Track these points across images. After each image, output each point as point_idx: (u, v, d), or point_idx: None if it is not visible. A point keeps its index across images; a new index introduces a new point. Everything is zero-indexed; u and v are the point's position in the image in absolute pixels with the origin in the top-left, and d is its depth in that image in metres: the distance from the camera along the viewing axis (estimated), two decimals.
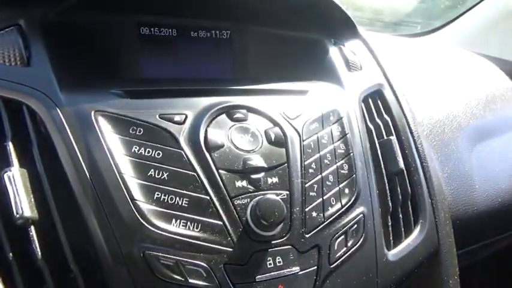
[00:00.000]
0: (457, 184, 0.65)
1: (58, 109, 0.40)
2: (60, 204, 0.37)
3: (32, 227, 0.36)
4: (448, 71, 0.91)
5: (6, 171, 0.37)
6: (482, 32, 1.15)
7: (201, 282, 0.37)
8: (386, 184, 0.52)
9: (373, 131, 0.55)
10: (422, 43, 1.13)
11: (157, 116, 0.42)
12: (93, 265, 0.36)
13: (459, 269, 0.55)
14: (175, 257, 0.37)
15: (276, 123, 0.47)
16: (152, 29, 0.56)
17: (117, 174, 0.38)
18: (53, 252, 0.36)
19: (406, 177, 0.53)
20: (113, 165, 0.38)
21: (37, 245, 0.36)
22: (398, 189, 0.52)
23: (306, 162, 0.45)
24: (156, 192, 0.38)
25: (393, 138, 0.55)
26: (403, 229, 0.50)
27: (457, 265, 0.54)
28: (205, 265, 0.37)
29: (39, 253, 0.35)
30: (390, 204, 0.50)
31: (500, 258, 0.95)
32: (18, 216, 0.35)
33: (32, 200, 0.37)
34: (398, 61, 0.81)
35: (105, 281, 0.36)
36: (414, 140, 0.57)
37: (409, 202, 0.52)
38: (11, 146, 0.38)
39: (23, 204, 0.36)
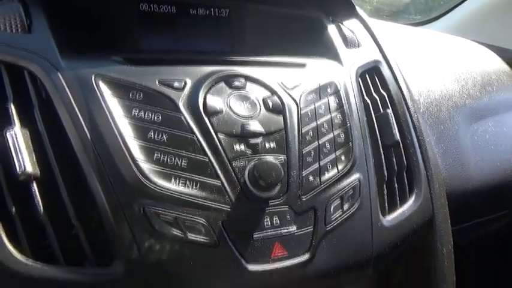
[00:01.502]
0: (452, 160, 0.66)
1: (59, 73, 0.41)
2: (61, 163, 0.38)
3: (34, 183, 0.37)
4: (445, 55, 0.92)
5: (9, 130, 0.38)
6: (476, 21, 1.16)
7: (199, 238, 0.38)
8: (382, 155, 0.52)
9: (370, 104, 0.56)
10: (419, 30, 1.14)
11: (156, 82, 0.43)
12: (94, 221, 0.37)
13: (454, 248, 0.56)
14: (174, 213, 0.37)
15: (273, 92, 0.47)
16: (152, 6, 0.56)
17: (117, 135, 0.39)
18: (55, 209, 0.37)
19: (402, 149, 0.54)
20: (114, 127, 0.39)
21: (39, 200, 0.36)
22: (394, 160, 0.53)
23: (303, 130, 0.46)
24: (156, 153, 0.39)
25: (389, 111, 0.56)
26: (398, 198, 0.51)
27: (451, 236, 0.55)
28: (204, 222, 0.38)
29: (41, 208, 0.36)
30: (386, 173, 0.51)
31: (493, 241, 0.96)
32: (20, 172, 0.36)
33: (34, 158, 0.37)
34: (396, 43, 0.82)
35: (107, 236, 0.36)
36: (410, 115, 0.58)
37: (405, 173, 0.53)
38: (12, 108, 0.39)
39: (25, 161, 0.37)
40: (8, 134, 0.37)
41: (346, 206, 0.45)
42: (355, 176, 0.47)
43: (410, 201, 0.52)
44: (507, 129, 0.78)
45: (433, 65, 0.84)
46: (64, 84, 0.40)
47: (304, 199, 0.43)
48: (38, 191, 0.37)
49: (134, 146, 0.39)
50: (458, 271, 0.56)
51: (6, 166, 0.37)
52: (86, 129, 0.39)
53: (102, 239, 0.37)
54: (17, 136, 0.37)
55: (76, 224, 0.36)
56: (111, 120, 0.39)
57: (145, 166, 0.38)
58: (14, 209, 0.36)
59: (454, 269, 0.55)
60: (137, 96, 0.42)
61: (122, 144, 0.39)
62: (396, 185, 0.52)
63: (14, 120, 0.39)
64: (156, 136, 0.40)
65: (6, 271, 0.34)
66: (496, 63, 0.97)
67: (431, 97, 0.73)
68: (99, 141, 0.38)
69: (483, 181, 0.70)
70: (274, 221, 0.41)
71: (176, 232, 0.37)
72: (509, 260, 1.06)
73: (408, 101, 0.60)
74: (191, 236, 0.37)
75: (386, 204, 0.50)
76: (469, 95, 0.79)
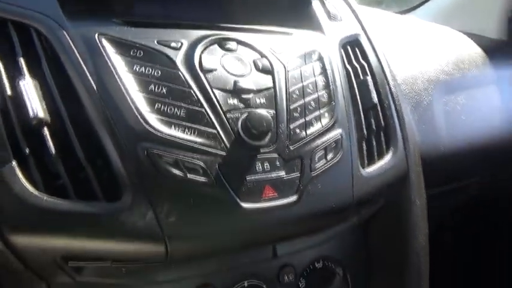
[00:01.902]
0: (426, 127, 0.72)
1: (64, 31, 0.44)
2: (69, 111, 0.41)
3: (45, 128, 0.40)
4: (422, 37, 0.98)
5: (21, 80, 0.41)
6: (453, 10, 1.22)
7: (198, 178, 0.42)
8: (362, 116, 0.57)
9: (351, 72, 0.61)
10: (399, 16, 1.19)
11: (155, 41, 0.46)
12: (102, 162, 0.40)
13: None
14: (175, 156, 0.41)
15: (263, 55, 0.51)
16: None
17: (121, 86, 0.42)
18: (65, 151, 0.40)
19: (380, 111, 0.59)
20: (117, 79, 0.43)
21: (50, 143, 0.40)
22: (372, 121, 0.58)
23: (290, 89, 0.50)
24: (157, 104, 0.43)
25: (369, 78, 0.61)
26: (376, 153, 0.56)
27: (425, 190, 0.60)
28: (202, 164, 0.42)
29: (53, 150, 0.39)
30: (365, 132, 0.56)
31: (467, 209, 1.03)
32: (33, 117, 0.39)
33: (44, 105, 0.41)
34: (376, 22, 0.87)
35: (114, 175, 0.40)
36: (388, 82, 0.63)
37: (382, 133, 0.58)
38: (22, 62, 0.42)
39: (37, 107, 0.40)
40: (20, 84, 0.41)
41: (329, 156, 0.50)
42: (337, 131, 0.51)
43: (387, 157, 0.57)
44: (476, 102, 0.84)
45: (410, 45, 0.90)
46: (69, 40, 0.43)
47: (292, 148, 0.47)
48: (49, 135, 0.40)
49: (136, 97, 0.43)
50: (434, 239, 0.61)
51: (19, 113, 0.40)
52: (91, 81, 0.42)
53: (110, 177, 0.40)
54: (29, 86, 0.41)
55: (85, 164, 0.40)
56: (115, 74, 0.43)
57: (147, 114, 0.42)
58: (27, 151, 0.39)
59: (427, 221, 0.60)
60: (138, 54, 0.45)
61: (125, 94, 0.42)
62: (374, 142, 0.57)
63: (24, 72, 0.42)
64: (156, 89, 0.44)
65: (24, 204, 0.37)
66: (469, 46, 1.04)
67: (408, 71, 0.78)
68: (105, 92, 0.42)
69: (454, 147, 0.76)
70: (265, 166, 0.45)
71: (177, 172, 0.41)
72: (481, 227, 1.14)
73: (386, 70, 0.65)
74: (190, 175, 0.41)
75: (365, 158, 0.55)
76: (443, 71, 0.85)
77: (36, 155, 0.39)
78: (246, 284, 0.51)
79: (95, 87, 0.42)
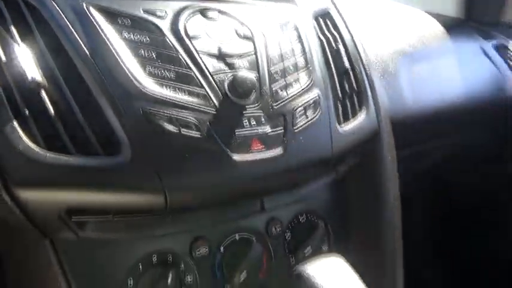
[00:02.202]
0: (393, 91, 0.77)
1: (52, 0, 0.46)
2: (65, 75, 0.43)
3: (43, 91, 0.42)
4: (388, 14, 1.04)
5: (15, 46, 0.42)
6: None
7: (191, 133, 0.45)
8: (336, 80, 0.62)
9: (324, 41, 0.65)
10: None
11: (140, 10, 0.49)
12: (99, 120, 0.43)
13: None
14: (169, 113, 0.44)
15: (243, 24, 0.55)
16: None
17: (113, 51, 0.45)
18: (63, 111, 0.42)
19: (352, 76, 0.64)
20: (108, 45, 0.45)
21: (49, 105, 0.42)
22: (346, 84, 0.63)
23: (270, 54, 0.54)
24: (147, 66, 0.46)
25: (340, 46, 0.66)
26: (350, 113, 0.61)
27: (394, 148, 0.66)
28: (194, 120, 0.45)
29: (51, 110, 0.41)
30: (340, 94, 0.61)
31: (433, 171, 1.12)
32: (31, 80, 0.41)
33: (40, 70, 0.42)
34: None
35: (112, 132, 0.43)
36: (358, 51, 0.68)
37: (355, 95, 0.63)
38: (14, 30, 0.44)
39: (34, 71, 0.42)
40: (15, 50, 0.42)
41: (309, 114, 0.54)
42: (315, 92, 0.56)
43: (360, 116, 0.62)
44: (438, 70, 0.91)
45: (377, 21, 0.96)
46: (58, 9, 0.45)
47: (275, 106, 0.51)
48: (47, 97, 0.42)
49: (128, 61, 0.45)
50: (404, 199, 0.67)
51: (16, 77, 0.42)
52: (83, 47, 0.44)
53: (108, 135, 0.43)
54: (23, 51, 0.42)
55: (83, 123, 0.42)
56: (105, 40, 0.45)
57: (140, 76, 0.45)
58: (27, 112, 0.41)
59: (397, 174, 0.66)
60: (125, 22, 0.48)
61: (117, 58, 0.45)
62: (348, 103, 0.62)
63: (17, 40, 0.43)
64: (145, 53, 0.46)
65: (28, 160, 0.39)
66: (432, 22, 1.11)
67: (375, 43, 0.84)
68: (97, 56, 0.44)
69: (420, 112, 0.82)
70: (251, 122, 0.49)
71: (172, 128, 0.44)
72: (449, 188, 1.23)
73: (356, 40, 0.70)
74: (184, 131, 0.45)
75: (341, 118, 0.59)
76: (408, 44, 0.91)
77: (35, 116, 0.41)
78: (237, 237, 0.55)
79: (87, 52, 0.44)
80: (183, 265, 0.51)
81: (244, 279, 0.54)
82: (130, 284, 0.48)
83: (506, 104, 1.05)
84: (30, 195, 0.40)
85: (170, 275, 0.48)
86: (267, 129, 0.50)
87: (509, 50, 1.13)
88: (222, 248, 0.54)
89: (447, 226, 1.39)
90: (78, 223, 0.45)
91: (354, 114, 0.61)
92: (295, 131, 0.52)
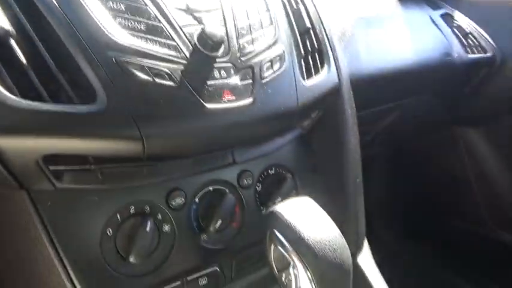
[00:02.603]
0: (351, 53, 0.82)
1: None
2: (34, 27, 0.43)
3: (11, 40, 0.42)
4: None
5: None
6: None
7: (165, 82, 0.46)
8: (299, 38, 0.65)
9: (286, 3, 0.68)
10: None
11: None
12: (72, 69, 0.43)
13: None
14: (141, 62, 0.45)
15: None
16: None
17: (83, 4, 0.45)
18: (35, 60, 0.42)
19: (313, 35, 0.67)
20: None
21: (20, 53, 0.41)
22: (308, 42, 0.66)
23: (235, 12, 0.56)
24: (117, 18, 0.46)
25: (301, 6, 0.69)
26: (313, 69, 0.64)
27: (353, 101, 0.70)
28: (166, 70, 0.47)
29: (23, 59, 0.41)
30: (302, 51, 0.64)
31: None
32: None
33: (8, 21, 0.42)
34: None
35: (86, 80, 0.43)
36: (317, 12, 0.71)
37: (316, 52, 0.67)
38: None
39: (2, 20, 0.41)
40: None
41: (275, 67, 0.57)
42: (279, 47, 0.59)
43: (322, 72, 0.65)
44: (390, 36, 0.97)
45: None
46: None
47: (243, 59, 0.53)
48: (18, 47, 0.42)
49: (97, 12, 0.45)
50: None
51: None
52: (54, 2, 0.44)
53: (82, 83, 0.43)
54: None
55: (55, 72, 0.42)
56: None
57: (110, 27, 0.45)
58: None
59: (357, 128, 0.71)
60: None
61: (87, 10, 0.45)
62: (311, 60, 0.65)
63: None
64: (114, 5, 0.47)
65: (4, 107, 0.39)
66: None
67: (334, 9, 0.88)
68: (67, 8, 0.44)
69: (374, 74, 0.88)
70: (221, 74, 0.51)
71: (145, 76, 0.45)
72: (399, 153, 1.33)
73: (315, 3, 0.73)
74: (158, 80, 0.46)
75: (304, 73, 0.63)
76: (363, 11, 0.96)
77: (7, 66, 0.41)
78: (211, 189, 0.58)
79: (55, 4, 0.44)
80: (160, 215, 0.53)
81: (219, 228, 0.56)
82: (110, 234, 0.49)
83: (452, 69, 1.13)
84: (5, 143, 0.40)
85: (148, 224, 0.50)
86: (237, 80, 0.52)
87: (454, 19, 1.22)
88: (197, 199, 0.56)
89: (402, 185, 1.50)
90: (56, 173, 0.46)
91: (316, 70, 0.65)
92: (263, 82, 0.54)
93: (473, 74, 1.22)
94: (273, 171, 0.65)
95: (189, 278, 0.55)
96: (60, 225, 0.47)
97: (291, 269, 0.46)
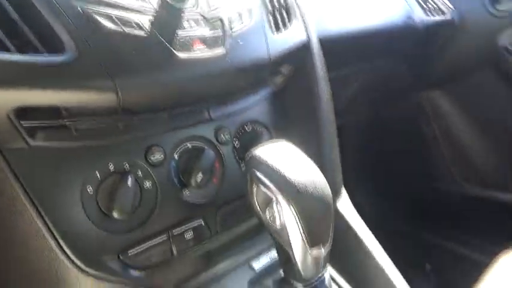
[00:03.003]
0: (318, 14, 0.84)
1: None
2: None
3: None
4: None
5: None
6: None
7: (135, 32, 0.46)
8: None
9: None
10: None
11: None
12: (39, 23, 0.42)
13: None
14: (109, 13, 0.45)
15: None
16: None
17: None
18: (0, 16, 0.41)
19: None
20: None
21: None
22: None
23: None
24: None
25: None
26: (281, 24, 0.65)
27: (324, 59, 0.72)
28: (135, 20, 0.46)
29: None
30: (270, 7, 0.65)
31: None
32: None
33: None
34: None
35: (53, 34, 0.42)
36: None
37: (284, 9, 0.68)
38: None
39: None
40: None
41: (244, 20, 0.57)
42: (248, 0, 0.59)
43: (291, 27, 0.66)
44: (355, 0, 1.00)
45: None
46: None
47: (212, 11, 0.54)
48: None
49: None
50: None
51: None
52: None
53: (49, 34, 0.42)
54: None
55: (19, 22, 0.41)
56: None
57: None
58: None
59: (328, 84, 0.73)
60: None
61: None
62: (278, 16, 0.66)
63: None
64: None
65: None
66: None
67: None
68: None
69: (342, 33, 0.90)
70: (191, 24, 0.51)
71: (114, 26, 0.45)
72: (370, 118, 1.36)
73: None
74: (127, 29, 0.46)
75: (273, 27, 0.64)
76: None
77: None
78: (189, 145, 0.58)
79: None
80: (140, 172, 0.53)
81: (200, 183, 0.57)
82: (91, 192, 0.49)
83: (414, 32, 1.17)
84: None
85: (129, 179, 0.50)
86: (206, 31, 0.52)
87: None
88: (176, 156, 0.57)
89: (373, 151, 1.54)
90: (29, 130, 0.45)
91: (285, 25, 0.66)
92: (233, 34, 0.55)
93: (434, 37, 1.27)
94: (249, 128, 0.65)
95: (174, 232, 0.55)
96: (38, 185, 0.46)
97: (274, 206, 0.47)
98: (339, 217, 0.66)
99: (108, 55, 0.44)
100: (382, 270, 0.61)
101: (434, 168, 1.49)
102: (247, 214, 0.63)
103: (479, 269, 0.85)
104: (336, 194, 0.68)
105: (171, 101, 0.53)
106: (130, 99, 0.47)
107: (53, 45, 0.43)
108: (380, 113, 1.47)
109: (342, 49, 0.91)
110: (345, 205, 0.68)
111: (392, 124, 1.52)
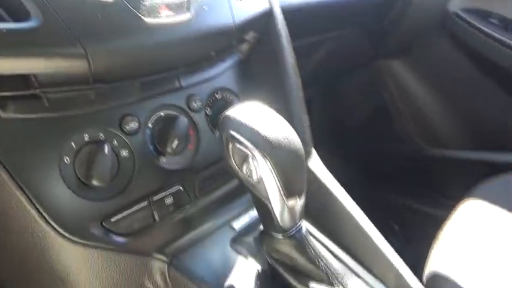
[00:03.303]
0: None
1: None
2: None
3: None
4: None
5: None
6: None
7: None
8: None
9: None
10: None
11: None
12: None
13: None
14: None
15: None
16: None
17: None
18: None
19: None
20: None
21: None
22: None
23: None
24: None
25: None
26: None
27: (287, 27, 0.74)
28: None
29: None
30: None
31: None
32: None
33: None
34: None
35: (14, 2, 0.42)
36: None
37: None
38: None
39: None
40: None
41: None
42: None
43: None
44: None
45: None
46: None
47: None
48: None
49: None
50: None
51: None
52: None
53: (14, 3, 0.42)
54: None
55: None
56: None
57: None
58: None
59: (293, 54, 0.75)
60: None
61: None
62: None
63: None
64: None
65: None
66: None
67: None
68: None
69: (302, 3, 0.92)
70: None
71: None
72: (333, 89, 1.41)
73: None
74: None
75: None
76: None
77: None
78: (162, 114, 0.59)
79: None
80: (116, 141, 0.53)
81: (176, 149, 0.58)
82: (68, 162, 0.49)
83: (370, 2, 1.22)
84: None
85: (106, 148, 0.51)
86: None
87: None
88: (150, 124, 0.57)
89: (338, 120, 1.60)
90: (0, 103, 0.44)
91: None
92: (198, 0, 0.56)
93: (389, 8, 1.32)
94: (219, 95, 0.67)
95: (155, 198, 0.56)
96: (13, 157, 0.46)
97: (250, 162, 0.49)
98: (311, 176, 0.70)
99: (76, 21, 0.44)
100: (355, 222, 0.66)
101: (395, 132, 1.56)
102: (224, 178, 0.65)
103: (441, 222, 0.92)
104: (307, 154, 0.71)
105: (141, 68, 0.53)
106: (101, 66, 0.47)
107: (18, 13, 0.42)
108: (342, 82, 1.52)
109: (303, 19, 0.94)
110: (316, 164, 0.72)
111: (354, 93, 1.58)
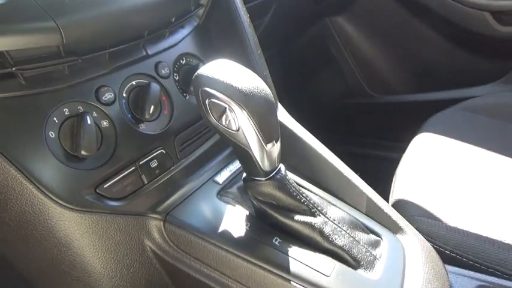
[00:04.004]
0: None
1: None
2: None
3: None
4: None
5: None
6: None
7: None
8: None
9: None
10: None
11: None
12: None
13: None
14: None
15: None
16: None
17: None
18: None
19: None
20: None
21: None
22: None
23: None
24: None
25: None
26: None
27: None
28: None
29: None
30: None
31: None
32: None
33: None
34: None
35: None
36: None
37: None
38: None
39: None
40: None
41: None
42: None
43: None
44: None
45: None
46: None
47: None
48: None
49: None
50: None
51: None
52: None
53: None
54: None
55: None
56: None
57: None
58: None
59: (247, 13, 0.78)
60: None
61: None
62: None
63: None
64: None
65: None
66: None
67: None
68: None
69: None
70: None
71: None
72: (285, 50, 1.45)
73: None
74: None
75: None
76: None
77: None
78: (134, 83, 0.61)
79: None
80: (95, 113, 0.55)
81: (153, 114, 0.61)
82: (53, 136, 0.51)
83: None
84: None
85: (87, 118, 0.53)
86: None
87: None
88: (124, 94, 0.60)
89: (291, 76, 1.66)
90: None
91: None
92: None
93: None
94: (184, 60, 0.70)
95: (140, 162, 0.59)
96: (1, 137, 0.47)
97: (228, 113, 0.53)
98: (281, 127, 0.75)
99: None
100: (324, 159, 0.72)
101: (347, 84, 1.65)
102: (202, 139, 0.69)
103: (397, 163, 1.02)
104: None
105: (109, 37, 0.55)
106: (72, 38, 0.48)
107: None
108: (295, 43, 1.57)
109: None
110: (284, 115, 0.77)
111: (305, 50, 1.64)
